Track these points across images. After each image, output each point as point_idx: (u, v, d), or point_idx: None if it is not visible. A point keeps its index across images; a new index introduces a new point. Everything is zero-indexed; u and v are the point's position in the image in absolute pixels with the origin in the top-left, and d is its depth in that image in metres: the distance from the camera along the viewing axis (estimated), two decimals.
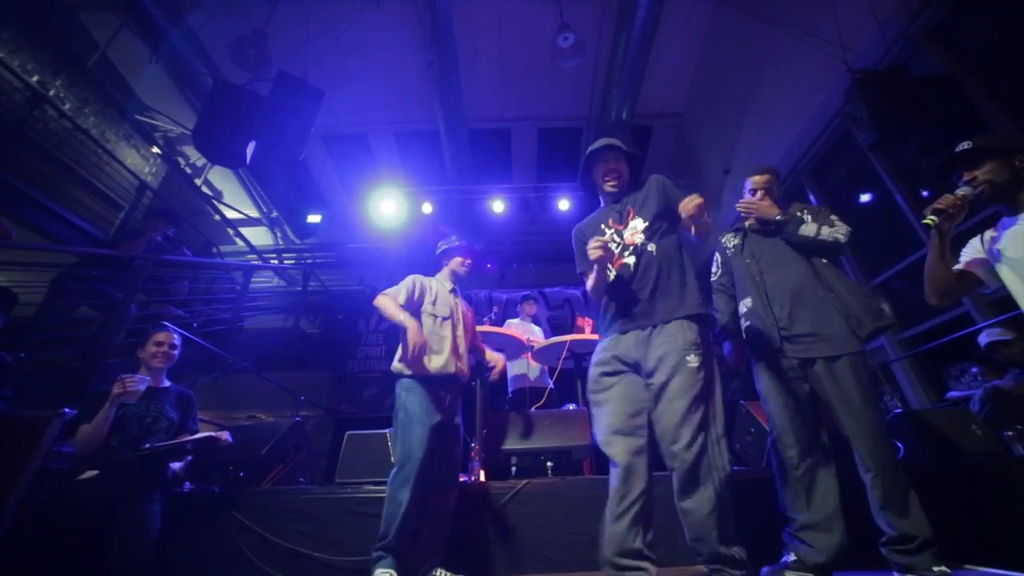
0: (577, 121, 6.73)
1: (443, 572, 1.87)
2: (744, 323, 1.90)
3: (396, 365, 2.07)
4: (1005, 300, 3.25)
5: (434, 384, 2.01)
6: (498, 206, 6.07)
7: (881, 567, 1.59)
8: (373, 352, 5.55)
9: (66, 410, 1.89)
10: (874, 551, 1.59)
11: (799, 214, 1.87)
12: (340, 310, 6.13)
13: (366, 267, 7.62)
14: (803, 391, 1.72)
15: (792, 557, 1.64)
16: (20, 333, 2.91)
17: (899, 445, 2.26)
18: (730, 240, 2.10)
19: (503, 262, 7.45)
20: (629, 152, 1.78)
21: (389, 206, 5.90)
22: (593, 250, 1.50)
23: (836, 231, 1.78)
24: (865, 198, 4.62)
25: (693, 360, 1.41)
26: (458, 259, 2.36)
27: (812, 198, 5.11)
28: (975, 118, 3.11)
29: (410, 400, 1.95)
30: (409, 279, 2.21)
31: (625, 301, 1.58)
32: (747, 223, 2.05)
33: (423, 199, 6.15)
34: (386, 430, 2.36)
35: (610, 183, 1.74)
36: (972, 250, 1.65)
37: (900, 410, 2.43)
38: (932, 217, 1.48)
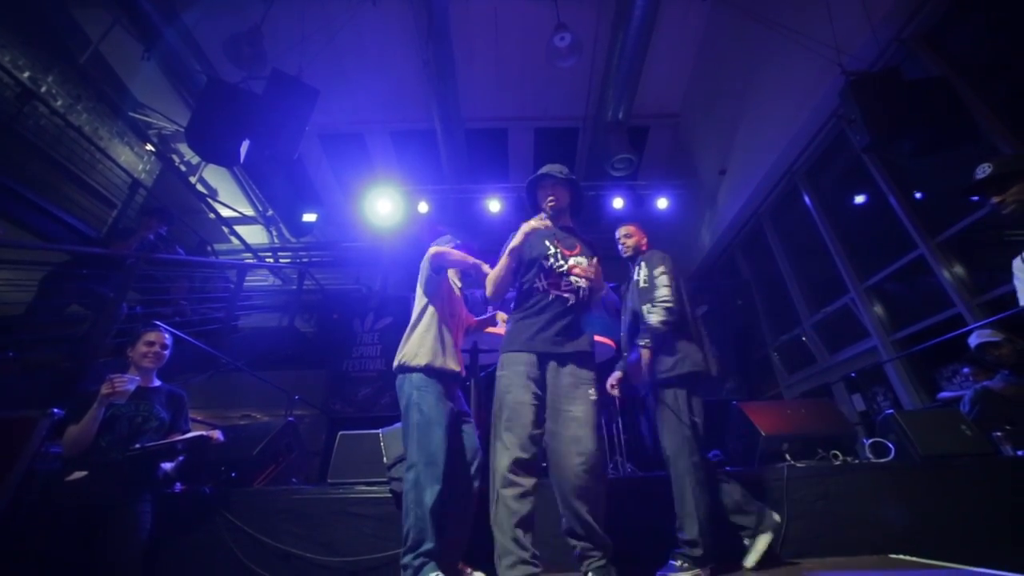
0: (574, 121, 6.74)
1: (465, 567, 1.88)
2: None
3: (404, 358, 1.99)
4: (996, 302, 3.28)
5: (446, 380, 1.99)
6: (494, 206, 6.06)
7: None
8: (368, 352, 5.54)
9: (54, 410, 1.87)
10: None
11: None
12: (336, 309, 6.12)
13: (362, 266, 7.61)
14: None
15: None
16: (8, 332, 2.89)
17: (890, 445, 2.28)
18: None
19: (499, 255, 7.44)
20: (569, 181, 1.97)
21: (385, 205, 5.89)
22: (524, 231, 1.77)
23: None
24: (859, 199, 4.64)
25: (592, 393, 1.68)
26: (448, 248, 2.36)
27: (807, 200, 5.14)
28: (967, 121, 3.13)
29: (425, 400, 1.89)
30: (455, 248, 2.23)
31: (550, 325, 1.74)
32: None
33: (419, 198, 6.14)
34: (378, 430, 2.35)
35: (550, 203, 1.93)
36: None
37: (891, 411, 2.44)
38: None
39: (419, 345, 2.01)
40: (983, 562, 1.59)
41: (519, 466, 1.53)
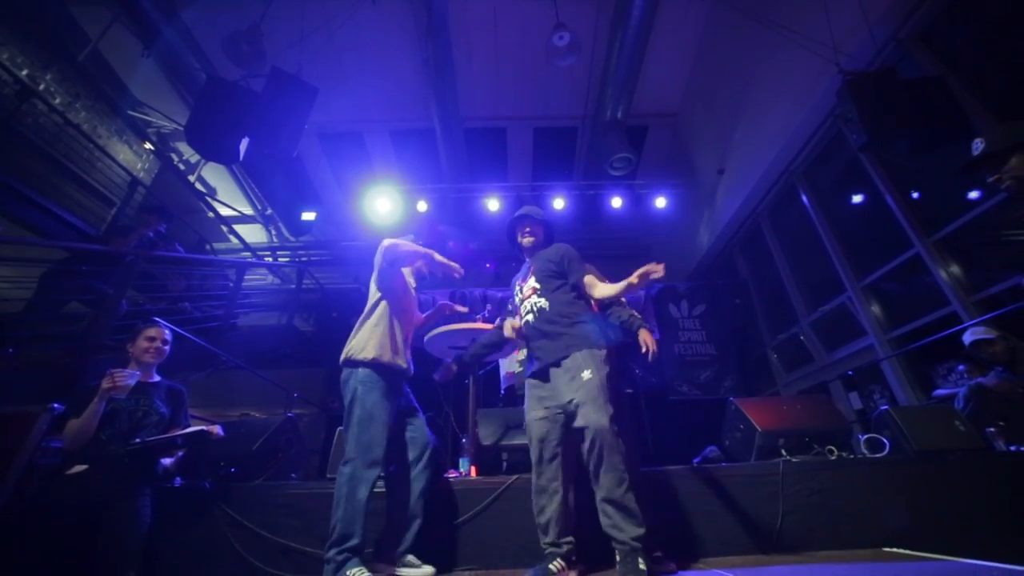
0: (573, 120, 6.76)
1: (412, 558, 1.88)
2: None
3: (351, 352, 1.98)
4: (991, 300, 3.30)
5: (393, 376, 2.00)
6: (493, 205, 6.08)
7: None
8: None
9: (55, 405, 1.88)
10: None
11: None
12: (334, 308, 6.13)
13: (361, 265, 7.61)
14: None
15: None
16: (8, 329, 2.89)
17: (885, 441, 2.30)
18: None
19: (498, 261, 7.47)
20: (544, 220, 2.24)
21: (384, 204, 5.90)
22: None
23: None
24: (856, 199, 4.67)
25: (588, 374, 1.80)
26: (420, 261, 2.33)
27: (804, 199, 5.16)
28: (963, 121, 3.16)
29: (369, 398, 1.88)
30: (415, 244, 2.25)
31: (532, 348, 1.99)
32: None
33: (418, 197, 6.16)
34: None
35: (527, 240, 2.21)
36: None
37: (886, 407, 2.47)
38: None
39: (367, 339, 1.99)
40: (975, 554, 1.61)
41: None
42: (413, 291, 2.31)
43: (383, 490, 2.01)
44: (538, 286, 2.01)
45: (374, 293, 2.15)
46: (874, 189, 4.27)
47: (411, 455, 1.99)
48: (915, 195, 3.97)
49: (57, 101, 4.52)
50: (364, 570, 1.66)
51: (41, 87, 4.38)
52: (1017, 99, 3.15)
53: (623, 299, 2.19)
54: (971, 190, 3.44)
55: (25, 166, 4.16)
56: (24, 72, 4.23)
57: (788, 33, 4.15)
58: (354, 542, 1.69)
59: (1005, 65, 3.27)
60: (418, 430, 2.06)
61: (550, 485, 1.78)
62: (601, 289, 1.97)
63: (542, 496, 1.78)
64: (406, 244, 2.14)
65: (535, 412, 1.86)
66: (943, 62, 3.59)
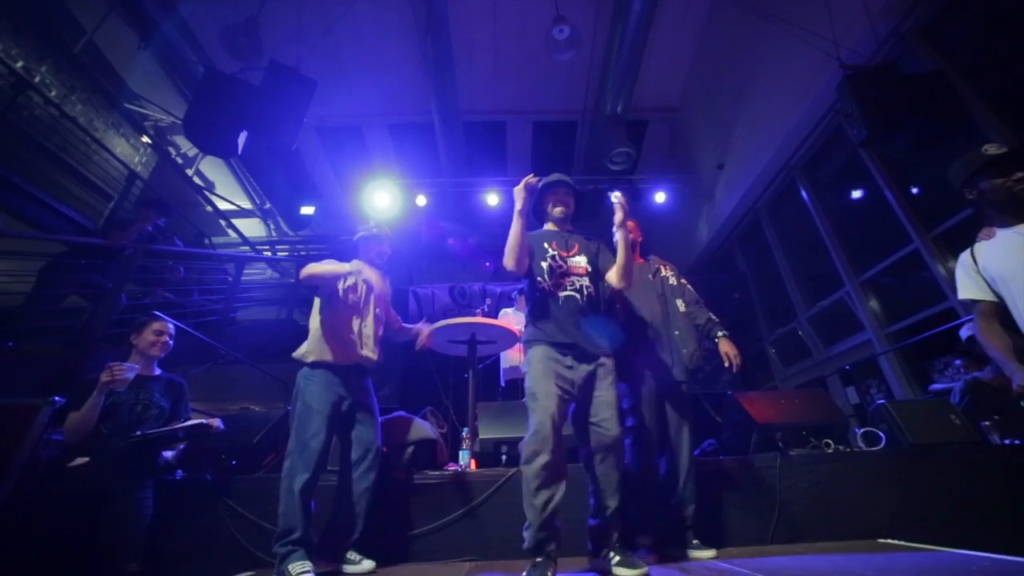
0: (572, 114, 6.73)
1: (354, 554, 1.89)
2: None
3: (299, 352, 2.04)
4: None
5: (339, 372, 2.00)
6: (493, 199, 6.07)
7: None
8: None
9: (56, 398, 1.89)
10: None
11: None
12: None
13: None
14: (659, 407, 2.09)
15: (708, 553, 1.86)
16: (8, 322, 2.89)
17: (881, 434, 2.33)
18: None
19: (497, 255, 7.46)
20: (577, 191, 2.08)
21: (383, 198, 5.88)
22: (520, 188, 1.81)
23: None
24: (856, 194, 4.67)
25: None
26: (375, 248, 2.38)
27: (804, 194, 5.16)
28: (964, 116, 3.15)
29: (309, 391, 1.93)
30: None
31: (563, 323, 1.79)
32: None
33: (417, 192, 6.14)
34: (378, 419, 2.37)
35: (560, 209, 2.02)
36: None
37: (883, 400, 2.49)
38: None
39: (309, 341, 2.06)
40: (968, 545, 1.64)
41: None
42: (356, 289, 2.22)
43: (333, 482, 2.01)
44: (590, 269, 1.90)
45: (316, 300, 2.20)
46: (873, 184, 4.27)
47: (354, 455, 1.98)
48: (914, 191, 3.97)
49: (53, 94, 4.49)
50: (307, 563, 1.67)
51: (37, 79, 4.34)
52: (1018, 95, 3.15)
53: (700, 300, 2.27)
54: (958, 194, 3.44)
55: (22, 159, 4.14)
56: (19, 64, 4.20)
57: (789, 27, 4.13)
58: (296, 535, 1.72)
59: (1007, 61, 3.26)
60: (366, 431, 2.03)
61: (560, 467, 1.60)
62: (614, 272, 1.88)
63: (553, 480, 1.57)
64: (313, 270, 2.09)
65: (550, 384, 1.67)
66: (944, 57, 3.58)
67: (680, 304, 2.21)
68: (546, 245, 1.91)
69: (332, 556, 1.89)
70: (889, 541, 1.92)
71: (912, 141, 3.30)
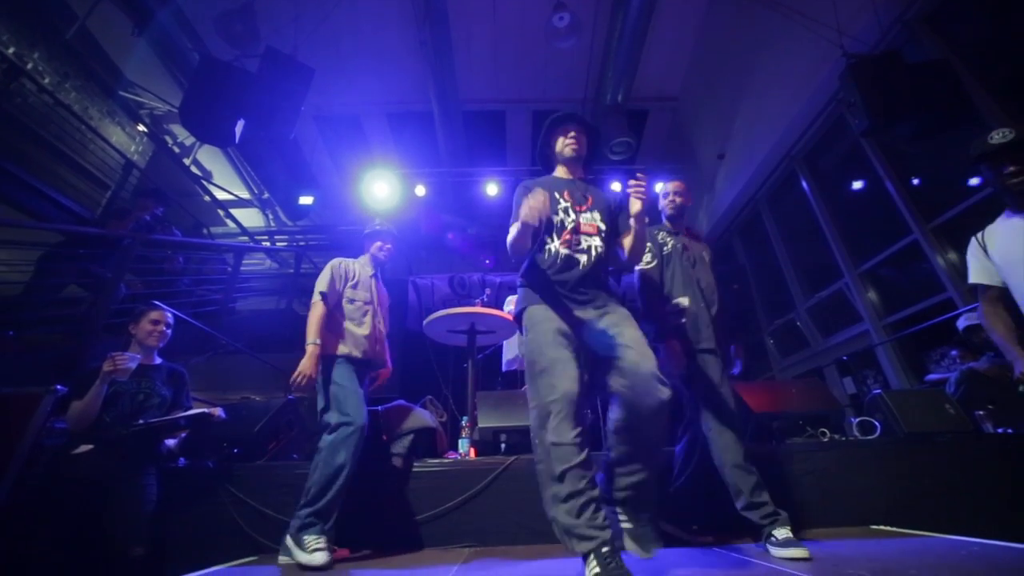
0: (572, 104, 6.65)
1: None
2: (680, 320, 2.04)
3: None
4: None
5: (356, 365, 2.10)
6: (492, 189, 6.03)
7: None
8: None
9: (58, 387, 1.90)
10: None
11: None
12: None
13: (359, 250, 7.58)
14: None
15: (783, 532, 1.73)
16: (7, 312, 2.89)
17: (876, 423, 2.35)
18: (668, 239, 2.20)
19: (497, 247, 7.45)
20: (590, 128, 1.82)
21: (382, 188, 5.85)
22: (532, 206, 1.44)
23: None
24: (856, 185, 4.65)
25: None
26: (377, 243, 2.40)
27: (804, 185, 5.14)
28: (966, 106, 3.13)
29: (341, 374, 2.02)
30: (330, 265, 2.26)
31: (570, 287, 1.57)
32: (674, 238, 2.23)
33: (416, 181, 6.10)
34: (377, 408, 2.40)
35: (571, 147, 1.75)
36: None
37: (879, 390, 2.51)
38: None
39: (331, 336, 2.13)
40: (960, 531, 1.67)
41: None
42: (374, 281, 2.33)
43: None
44: (603, 228, 1.66)
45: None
46: (874, 175, 4.25)
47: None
48: (915, 181, 3.96)
49: (46, 81, 4.43)
50: (322, 539, 1.71)
51: (29, 66, 4.28)
52: (1022, 84, 3.12)
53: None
54: (971, 176, 3.43)
55: (17, 148, 4.10)
56: (11, 50, 4.14)
57: (792, 15, 4.07)
58: (319, 506, 1.77)
59: (1011, 49, 3.23)
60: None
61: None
62: (626, 248, 1.68)
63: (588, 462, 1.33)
64: (311, 319, 2.11)
65: (563, 352, 1.44)
66: (948, 45, 3.55)
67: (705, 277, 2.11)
68: (558, 195, 1.67)
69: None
70: (882, 528, 1.95)
71: (914, 131, 3.28)
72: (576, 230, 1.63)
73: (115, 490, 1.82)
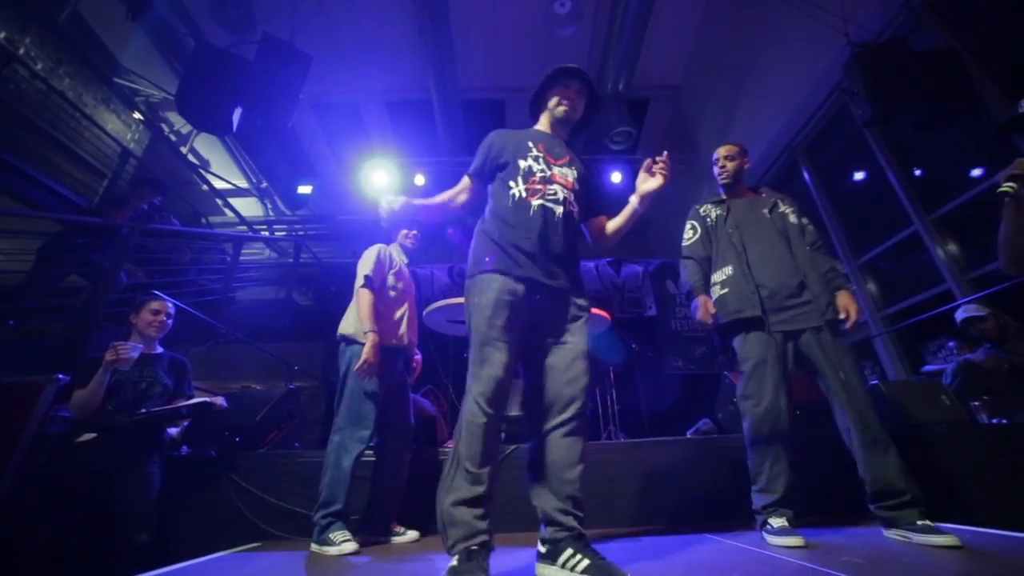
0: None
1: (400, 528, 2.02)
2: (721, 290, 1.92)
3: (347, 329, 2.08)
4: (984, 278, 3.33)
5: (386, 354, 2.05)
6: None
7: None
8: None
9: (60, 376, 1.91)
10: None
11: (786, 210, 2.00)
12: (333, 282, 6.11)
13: (359, 239, 7.55)
14: (781, 361, 1.78)
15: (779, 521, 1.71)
16: (8, 301, 2.89)
17: None
18: (711, 211, 2.11)
19: None
20: (592, 92, 1.62)
21: (381, 177, 5.81)
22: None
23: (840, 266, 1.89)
24: (858, 176, 4.63)
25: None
26: (403, 231, 2.37)
27: (805, 175, 5.12)
28: (972, 97, 3.10)
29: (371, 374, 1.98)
30: (375, 249, 2.21)
31: (533, 244, 1.36)
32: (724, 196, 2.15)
33: (416, 171, 6.06)
34: None
35: (565, 107, 1.55)
36: None
37: (876, 381, 2.53)
38: (1010, 184, 1.43)
39: (353, 322, 2.09)
40: (955, 520, 1.69)
41: None
42: (398, 276, 2.28)
43: (372, 459, 2.09)
44: (577, 187, 1.49)
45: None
46: (876, 166, 4.23)
47: (392, 433, 2.08)
48: (917, 172, 3.94)
49: (39, 67, 4.36)
50: (347, 533, 1.77)
51: (21, 51, 4.21)
52: None
53: (820, 241, 1.92)
54: (974, 167, 3.41)
55: (11, 136, 4.05)
56: (2, 35, 4.07)
57: (797, 2, 4.01)
58: (337, 507, 1.81)
59: (1018, 38, 3.19)
60: (403, 411, 2.13)
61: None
62: (601, 222, 1.58)
63: None
64: (363, 307, 2.05)
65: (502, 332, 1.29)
66: (954, 33, 3.50)
67: (802, 246, 1.87)
68: (531, 144, 1.50)
69: (374, 527, 2.00)
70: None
71: (918, 121, 3.26)
72: (549, 180, 1.43)
73: (119, 478, 1.84)
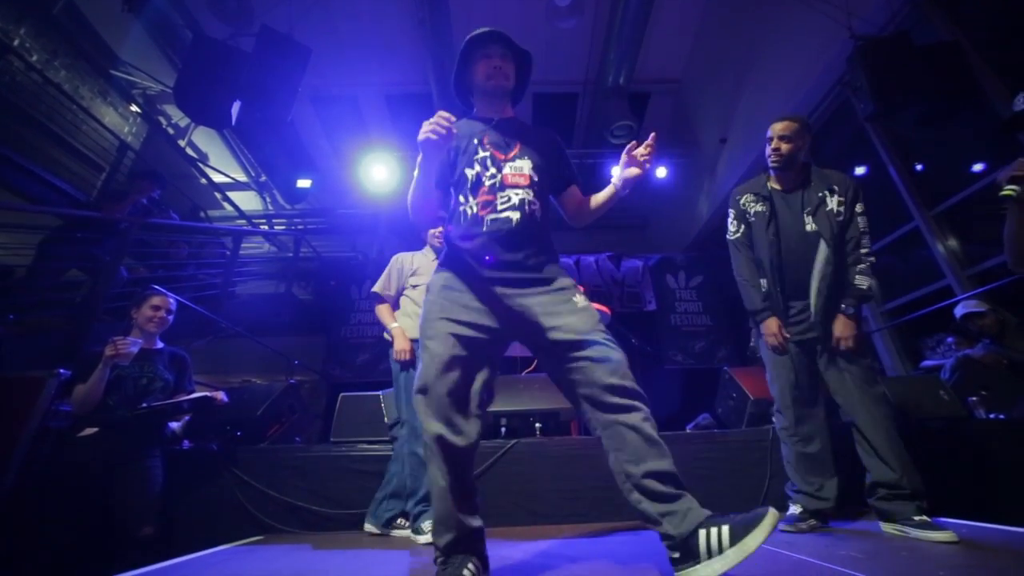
0: (573, 86, 6.54)
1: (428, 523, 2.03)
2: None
3: (387, 336, 2.20)
4: (985, 274, 3.34)
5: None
6: None
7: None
8: (366, 318, 5.59)
9: (61, 370, 1.91)
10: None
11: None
12: (333, 276, 6.12)
13: (358, 233, 7.54)
14: (806, 369, 1.77)
15: (797, 509, 1.78)
16: (8, 295, 2.89)
17: None
18: (751, 204, 1.89)
19: None
20: (518, 52, 1.42)
21: (380, 171, 5.79)
22: (428, 130, 1.19)
23: (865, 279, 1.70)
24: (859, 170, 4.61)
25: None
26: (431, 231, 2.39)
27: None
28: (975, 90, 3.08)
29: (399, 367, 2.08)
30: (391, 262, 2.34)
31: (496, 255, 1.26)
32: (770, 184, 1.89)
33: (415, 165, 6.03)
34: (379, 392, 2.43)
35: (493, 79, 1.37)
36: None
37: None
38: (1012, 188, 1.42)
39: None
40: (953, 514, 1.71)
41: None
42: (420, 278, 2.30)
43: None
44: (535, 177, 1.33)
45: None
46: (878, 160, 4.21)
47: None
48: (919, 167, 3.93)
49: (34, 58, 4.32)
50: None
51: (16, 42, 4.17)
52: None
53: (863, 240, 1.74)
54: (976, 162, 3.40)
55: (7, 128, 4.02)
56: None
57: None
58: (422, 493, 1.88)
59: (1021, 31, 3.16)
60: None
61: None
62: (593, 199, 1.46)
63: None
64: (382, 316, 2.26)
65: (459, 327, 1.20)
66: (959, 27, 3.47)
67: (832, 252, 1.70)
68: (476, 142, 1.35)
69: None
70: None
71: (921, 116, 3.24)
72: (500, 186, 1.29)
73: (121, 472, 1.85)
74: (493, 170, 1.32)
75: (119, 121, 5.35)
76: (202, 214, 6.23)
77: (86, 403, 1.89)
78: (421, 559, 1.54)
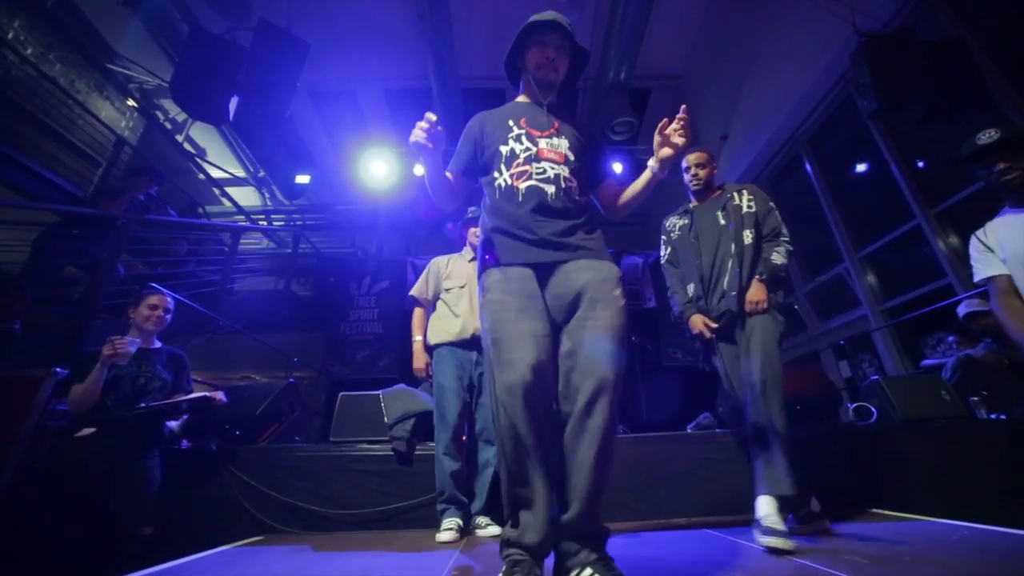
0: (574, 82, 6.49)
1: (484, 519, 2.05)
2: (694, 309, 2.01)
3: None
4: None
5: (461, 348, 2.17)
6: None
7: None
8: (365, 315, 5.56)
9: (57, 369, 1.89)
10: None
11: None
12: (332, 272, 6.08)
13: (358, 229, 7.50)
14: (735, 358, 1.89)
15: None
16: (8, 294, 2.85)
17: (872, 409, 2.38)
18: (675, 223, 2.17)
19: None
20: (576, 47, 1.40)
21: (380, 167, 5.75)
22: (417, 136, 1.20)
23: (780, 256, 1.92)
24: (861, 168, 4.59)
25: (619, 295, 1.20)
26: (473, 230, 2.45)
27: (808, 168, 5.07)
28: (979, 88, 3.06)
29: (439, 371, 2.16)
30: (428, 266, 2.44)
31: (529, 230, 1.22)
32: (692, 205, 2.14)
33: (415, 161, 5.99)
34: (379, 391, 2.42)
35: (544, 69, 1.35)
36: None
37: (876, 377, 2.53)
38: None
39: (431, 326, 2.32)
40: (954, 516, 1.71)
41: None
42: (472, 265, 2.33)
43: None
44: (572, 157, 1.31)
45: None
46: (880, 158, 4.19)
47: (477, 426, 2.17)
48: (921, 165, 3.91)
49: (29, 52, 4.26)
50: (453, 522, 1.91)
51: (10, 35, 4.11)
52: None
53: (786, 241, 1.94)
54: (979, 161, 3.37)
55: (2, 123, 3.98)
56: None
57: None
58: (445, 496, 1.99)
59: None
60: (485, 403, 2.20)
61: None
62: (630, 188, 1.41)
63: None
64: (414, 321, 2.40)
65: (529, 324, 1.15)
66: (964, 23, 3.44)
67: (748, 235, 1.90)
68: (511, 123, 1.34)
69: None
70: (879, 511, 1.99)
71: (924, 114, 3.21)
72: (535, 158, 1.28)
73: (119, 472, 1.84)
74: (528, 144, 1.31)
75: (115, 116, 5.30)
76: (200, 210, 6.19)
77: (83, 403, 1.87)
78: (421, 559, 1.54)
